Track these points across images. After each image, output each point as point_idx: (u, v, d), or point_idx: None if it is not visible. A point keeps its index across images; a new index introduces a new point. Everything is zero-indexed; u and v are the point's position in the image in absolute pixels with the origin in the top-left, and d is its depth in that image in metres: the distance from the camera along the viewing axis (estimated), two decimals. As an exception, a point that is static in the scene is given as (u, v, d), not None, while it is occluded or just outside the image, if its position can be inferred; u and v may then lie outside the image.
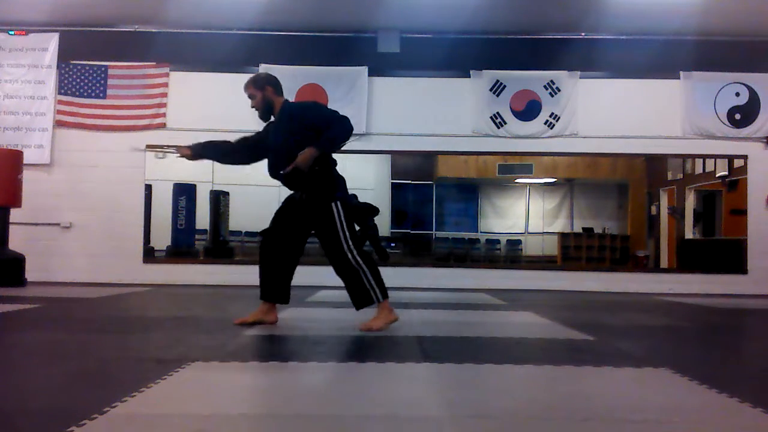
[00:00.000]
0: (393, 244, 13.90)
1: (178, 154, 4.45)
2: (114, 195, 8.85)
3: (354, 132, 4.14)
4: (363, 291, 4.02)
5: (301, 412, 2.12)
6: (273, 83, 4.25)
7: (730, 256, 9.53)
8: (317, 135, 3.96)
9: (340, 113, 4.08)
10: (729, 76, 9.01)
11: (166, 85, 8.97)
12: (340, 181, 4.17)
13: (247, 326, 4.13)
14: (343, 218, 4.01)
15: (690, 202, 12.80)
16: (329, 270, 4.10)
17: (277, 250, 4.14)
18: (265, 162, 4.31)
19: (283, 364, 2.91)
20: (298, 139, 3.99)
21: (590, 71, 9.04)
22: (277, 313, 4.31)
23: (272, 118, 4.28)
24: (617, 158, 13.51)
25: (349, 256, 3.98)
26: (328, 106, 8.82)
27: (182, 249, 11.05)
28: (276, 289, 4.18)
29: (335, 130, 3.98)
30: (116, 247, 8.80)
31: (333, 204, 4.01)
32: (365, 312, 4.13)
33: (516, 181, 16.23)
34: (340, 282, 4.17)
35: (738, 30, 8.70)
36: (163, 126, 8.94)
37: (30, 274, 7.89)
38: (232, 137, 4.56)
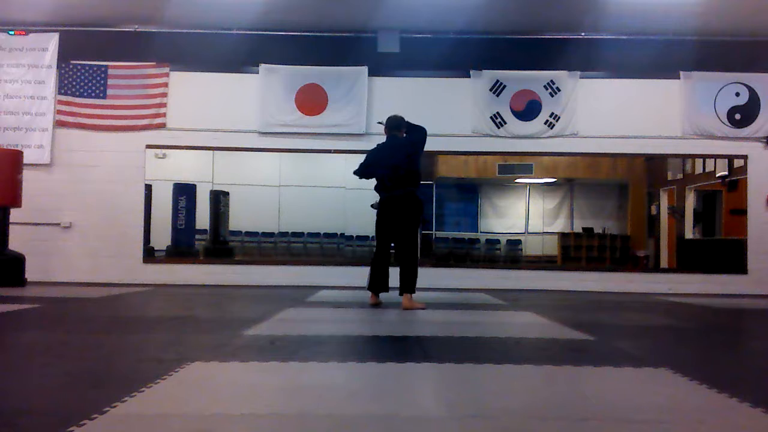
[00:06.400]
0: (393, 244, 13.83)
1: None
2: (114, 195, 8.84)
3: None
4: None
5: (301, 411, 2.12)
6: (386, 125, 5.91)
7: (730, 256, 9.51)
8: None
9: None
10: (729, 76, 9.01)
11: (166, 85, 8.97)
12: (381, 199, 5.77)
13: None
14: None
15: (690, 202, 12.78)
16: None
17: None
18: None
19: (283, 364, 2.91)
20: None
21: (590, 71, 9.05)
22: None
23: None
24: (617, 158, 13.49)
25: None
26: (328, 106, 8.99)
27: (182, 249, 11.04)
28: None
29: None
30: (116, 247, 8.80)
31: None
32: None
33: (516, 181, 16.21)
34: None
35: (738, 30, 8.70)
36: (163, 126, 8.94)
37: (30, 274, 7.89)
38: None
